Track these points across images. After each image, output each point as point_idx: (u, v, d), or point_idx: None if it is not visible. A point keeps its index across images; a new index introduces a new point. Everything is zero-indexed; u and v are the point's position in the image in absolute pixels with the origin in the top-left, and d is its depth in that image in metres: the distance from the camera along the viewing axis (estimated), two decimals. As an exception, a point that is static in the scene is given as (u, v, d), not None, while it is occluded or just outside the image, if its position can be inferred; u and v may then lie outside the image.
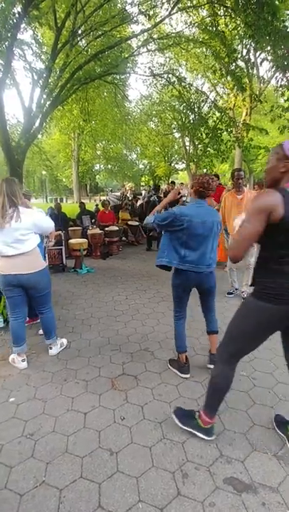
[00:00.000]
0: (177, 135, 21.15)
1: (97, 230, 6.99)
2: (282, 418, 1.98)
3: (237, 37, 8.21)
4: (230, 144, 9.48)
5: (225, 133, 9.68)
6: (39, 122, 7.60)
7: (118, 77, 12.31)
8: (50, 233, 2.85)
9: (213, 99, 12.38)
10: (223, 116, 9.89)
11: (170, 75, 10.46)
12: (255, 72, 16.07)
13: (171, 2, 7.65)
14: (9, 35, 5.30)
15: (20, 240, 2.46)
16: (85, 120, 14.79)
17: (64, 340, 3.08)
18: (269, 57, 5.89)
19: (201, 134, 10.27)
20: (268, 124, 12.25)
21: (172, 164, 28.81)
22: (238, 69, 9.30)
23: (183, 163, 26.68)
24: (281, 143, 1.52)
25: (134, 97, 32.08)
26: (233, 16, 6.41)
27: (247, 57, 9.22)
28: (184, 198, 3.19)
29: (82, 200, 10.90)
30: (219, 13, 7.36)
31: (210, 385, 1.85)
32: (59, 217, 7.10)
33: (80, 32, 8.56)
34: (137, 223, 8.68)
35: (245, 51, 7.42)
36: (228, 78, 8.39)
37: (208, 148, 10.64)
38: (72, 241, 6.07)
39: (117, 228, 7.40)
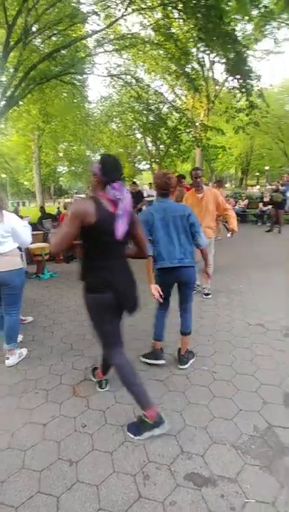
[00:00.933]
0: (139, 136, 21.26)
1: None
2: None
3: (191, 40, 8.42)
4: (189, 144, 9.71)
5: (184, 133, 9.89)
6: (-7, 123, 7.25)
7: (77, 77, 12.13)
8: None
9: (171, 101, 12.57)
10: (181, 117, 10.10)
11: (127, 76, 10.48)
12: (210, 74, 16.59)
13: (125, 3, 7.67)
14: None
15: None
16: (44, 121, 14.40)
17: (23, 351, 2.95)
18: (221, 60, 6.08)
19: (161, 135, 10.42)
20: (225, 125, 12.72)
21: (136, 165, 28.93)
22: (194, 71, 9.57)
23: (147, 163, 26.89)
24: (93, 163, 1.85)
25: (94, 98, 31.78)
26: (185, 18, 6.55)
27: (202, 59, 9.51)
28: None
29: (46, 204, 10.61)
30: (172, 15, 7.49)
31: (121, 380, 1.94)
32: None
33: (33, 30, 8.30)
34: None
35: (200, 54, 7.58)
36: (183, 79, 8.56)
37: (170, 149, 10.83)
38: (32, 246, 5.85)
39: (80, 231, 7.25)
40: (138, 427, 1.93)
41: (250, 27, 12.79)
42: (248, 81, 6.53)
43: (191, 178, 4.01)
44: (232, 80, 6.52)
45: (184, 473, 1.66)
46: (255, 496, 1.51)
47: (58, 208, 11.12)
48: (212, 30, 4.93)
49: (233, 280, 4.93)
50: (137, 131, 19.26)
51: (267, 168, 29.25)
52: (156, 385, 2.40)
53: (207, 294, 4.20)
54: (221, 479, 1.62)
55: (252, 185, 32.01)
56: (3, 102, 7.90)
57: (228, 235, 4.37)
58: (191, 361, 2.66)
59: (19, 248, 2.79)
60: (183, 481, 1.62)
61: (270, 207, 10.12)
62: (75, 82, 12.05)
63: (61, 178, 36.09)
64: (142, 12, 8.70)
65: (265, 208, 10.87)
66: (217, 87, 16.82)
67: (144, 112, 11.55)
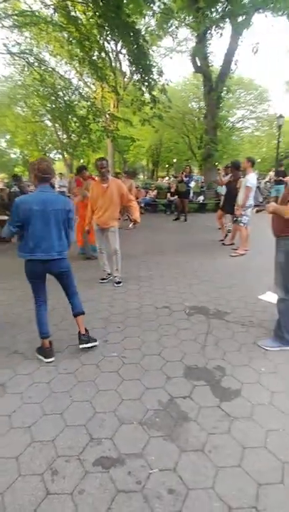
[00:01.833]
0: (49, 123, 20.06)
1: None
2: None
3: (95, 26, 8.23)
4: (99, 134, 9.61)
5: (94, 123, 9.73)
6: None
7: None
8: None
9: (77, 87, 12.16)
10: (90, 106, 9.88)
11: (30, 57, 9.70)
12: (118, 66, 16.63)
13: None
14: None
15: None
16: None
17: None
18: (123, 51, 6.12)
19: (70, 123, 10.03)
20: (134, 117, 12.98)
21: (46, 154, 27.31)
22: (100, 60, 9.41)
23: (58, 152, 25.67)
24: None
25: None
26: (86, 3, 6.35)
27: (108, 49, 9.42)
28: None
29: None
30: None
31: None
32: None
33: None
34: (6, 217, 7.87)
35: (104, 43, 7.47)
36: (86, 64, 8.37)
37: (81, 139, 10.52)
38: None
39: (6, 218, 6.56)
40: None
41: (154, 23, 13.26)
42: (150, 76, 6.76)
43: (96, 169, 3.98)
44: (136, 72, 6.64)
45: (93, 459, 1.69)
46: (159, 466, 1.64)
47: None
48: (112, 19, 4.91)
49: (143, 267, 5.15)
50: (45, 118, 18.14)
51: (174, 160, 31.10)
52: (67, 378, 2.36)
53: (118, 283, 4.29)
54: (128, 457, 1.70)
55: (163, 177, 33.71)
56: None
57: (130, 225, 4.53)
58: (93, 344, 2.69)
59: None
60: (92, 468, 1.64)
61: (176, 197, 10.83)
62: None
63: None
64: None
65: (172, 198, 11.59)
66: (126, 80, 17.02)
67: (52, 97, 10.90)
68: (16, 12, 8.86)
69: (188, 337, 2.91)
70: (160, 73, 7.42)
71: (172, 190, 11.69)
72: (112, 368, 2.46)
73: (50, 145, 26.23)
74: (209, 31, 10.74)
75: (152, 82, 6.87)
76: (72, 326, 3.09)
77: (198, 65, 12.74)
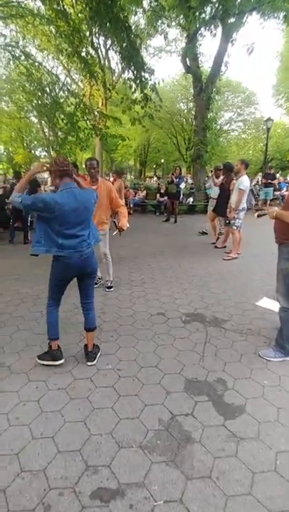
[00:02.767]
0: (35, 120, 19.54)
1: None
2: None
3: (85, 22, 8.00)
4: (87, 132, 9.36)
5: (82, 121, 9.47)
6: None
7: None
8: None
9: (64, 83, 11.84)
10: (78, 103, 9.62)
11: (15, 49, 9.34)
12: (106, 63, 16.38)
13: None
14: None
15: None
16: None
17: None
18: (114, 47, 5.94)
19: (57, 120, 9.73)
20: (123, 116, 12.77)
21: (32, 151, 26.67)
22: (89, 56, 9.17)
23: (44, 150, 25.08)
24: None
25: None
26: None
27: (98, 44, 9.19)
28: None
29: None
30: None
31: None
32: None
33: None
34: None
35: (94, 38, 7.25)
36: (75, 60, 8.11)
37: (69, 136, 10.22)
38: None
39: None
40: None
41: (144, 22, 13.10)
42: (142, 74, 6.61)
43: (86, 169, 3.79)
44: (127, 70, 6.48)
45: (90, 491, 1.52)
46: (163, 497, 1.49)
47: None
48: (104, 12, 4.72)
49: (135, 271, 4.99)
50: (31, 114, 17.65)
51: (162, 161, 31.08)
52: (58, 395, 2.17)
53: (109, 287, 4.12)
54: (129, 487, 1.54)
55: (150, 177, 33.60)
56: None
57: (115, 232, 4.35)
58: (98, 355, 2.58)
59: None
60: (89, 501, 1.48)
61: (166, 198, 10.71)
62: None
63: None
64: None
65: (162, 199, 11.48)
66: (114, 78, 16.78)
67: (38, 93, 10.55)
68: (1, 2, 8.49)
69: (186, 347, 2.77)
70: (151, 72, 7.28)
71: (162, 191, 11.57)
72: (107, 383, 2.29)
73: (35, 142, 25.62)
74: (200, 32, 10.68)
75: (144, 80, 6.71)
76: (64, 335, 2.91)
77: (188, 65, 12.67)
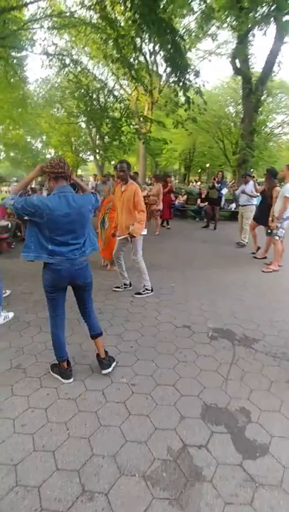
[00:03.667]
0: (84, 125, 20.35)
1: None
2: None
3: (133, 29, 8.09)
4: (130, 136, 9.43)
5: (125, 124, 9.58)
6: None
7: (13, 54, 10.98)
8: None
9: (111, 89, 12.09)
10: (125, 109, 9.77)
11: (64, 57, 9.76)
12: (155, 68, 16.48)
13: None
14: None
15: None
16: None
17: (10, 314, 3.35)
18: (158, 50, 5.87)
19: (102, 124, 9.97)
20: (168, 120, 12.70)
21: (80, 155, 27.78)
22: (137, 61, 9.27)
23: (90, 154, 25.96)
24: None
25: (34, 79, 29.52)
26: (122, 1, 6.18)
27: (144, 50, 9.24)
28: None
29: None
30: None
31: None
32: None
33: None
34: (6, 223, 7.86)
35: (138, 40, 7.26)
36: (122, 65, 8.20)
37: (112, 140, 10.43)
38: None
39: (6, 223, 6.54)
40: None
41: (194, 25, 12.95)
42: (186, 76, 6.45)
43: (116, 171, 3.75)
44: (171, 73, 6.37)
45: (82, 521, 1.40)
46: None
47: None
48: (147, 14, 4.66)
49: (165, 278, 4.81)
50: (80, 120, 18.42)
51: (208, 165, 30.42)
52: (67, 405, 2.09)
53: (138, 293, 4.01)
54: (124, 524, 1.39)
55: (195, 181, 33.12)
56: None
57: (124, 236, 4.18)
58: (113, 364, 2.45)
59: None
60: (78, 533, 1.35)
61: (206, 203, 10.37)
62: (10, 58, 10.90)
63: (-1, 164, 33.13)
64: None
65: (202, 205, 11.14)
66: (162, 83, 16.84)
67: (85, 98, 10.93)
68: (56, 13, 8.93)
69: (208, 366, 2.55)
70: (197, 74, 7.09)
71: (203, 196, 11.24)
72: (119, 398, 2.16)
73: (83, 146, 26.63)
74: (252, 31, 10.23)
75: (188, 83, 6.54)
76: (82, 341, 2.85)
77: (238, 66, 12.22)
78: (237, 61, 12.11)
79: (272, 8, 8.25)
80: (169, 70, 7.03)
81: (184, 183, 30.20)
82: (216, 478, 1.60)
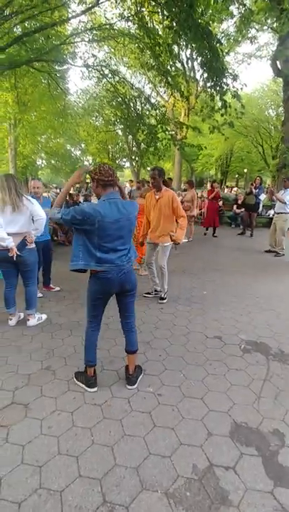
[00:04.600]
0: (121, 132, 20.86)
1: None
2: None
3: (170, 36, 8.17)
4: (166, 142, 9.46)
5: (160, 131, 9.64)
6: None
7: (55, 67, 11.57)
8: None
9: (148, 96, 12.26)
10: (162, 116, 9.85)
11: (103, 68, 10.07)
12: (192, 74, 16.46)
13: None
14: None
15: None
16: (21, 111, 13.73)
17: (43, 316, 3.50)
18: (194, 55, 5.85)
19: (138, 131, 10.11)
20: (204, 125, 12.57)
21: (117, 161, 28.44)
22: (174, 68, 9.33)
23: (126, 160, 26.48)
24: None
25: (74, 90, 30.89)
26: (160, 9, 6.25)
27: (180, 57, 9.27)
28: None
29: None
30: (147, 5, 7.16)
31: None
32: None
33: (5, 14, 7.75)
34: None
35: (175, 47, 7.29)
36: (159, 73, 8.29)
37: (148, 147, 10.56)
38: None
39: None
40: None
41: (232, 29, 12.77)
42: (222, 80, 6.35)
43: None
44: (207, 77, 6.30)
45: (101, 533, 1.37)
46: None
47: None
48: (184, 20, 4.67)
49: (198, 286, 4.70)
50: (117, 128, 18.92)
51: (245, 170, 29.60)
52: (93, 410, 2.09)
53: (162, 299, 3.99)
54: None
55: (232, 187, 32.38)
56: None
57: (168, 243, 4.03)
58: (140, 378, 2.40)
59: None
60: None
61: (243, 209, 10.05)
62: (53, 72, 11.51)
63: (40, 172, 34.99)
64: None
65: (238, 211, 10.81)
66: (199, 88, 16.77)
67: (122, 106, 11.19)
68: (96, 26, 9.28)
69: (240, 381, 2.42)
70: (235, 78, 6.95)
71: (239, 202, 10.92)
72: (145, 408, 2.11)
73: (119, 153, 27.23)
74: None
75: (225, 87, 6.43)
76: (111, 347, 2.86)
77: (279, 68, 11.80)
78: (278, 63, 11.71)
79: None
80: (205, 75, 6.94)
81: (220, 188, 29.60)
82: (243, 504, 1.49)
